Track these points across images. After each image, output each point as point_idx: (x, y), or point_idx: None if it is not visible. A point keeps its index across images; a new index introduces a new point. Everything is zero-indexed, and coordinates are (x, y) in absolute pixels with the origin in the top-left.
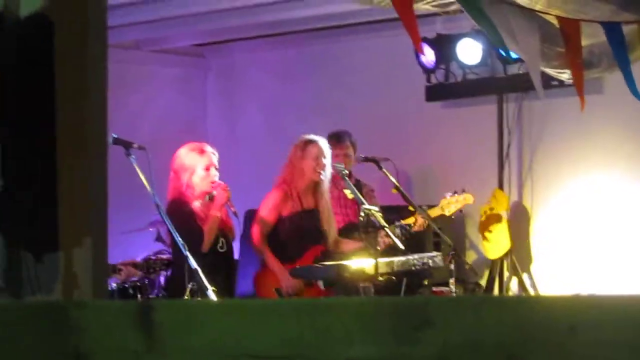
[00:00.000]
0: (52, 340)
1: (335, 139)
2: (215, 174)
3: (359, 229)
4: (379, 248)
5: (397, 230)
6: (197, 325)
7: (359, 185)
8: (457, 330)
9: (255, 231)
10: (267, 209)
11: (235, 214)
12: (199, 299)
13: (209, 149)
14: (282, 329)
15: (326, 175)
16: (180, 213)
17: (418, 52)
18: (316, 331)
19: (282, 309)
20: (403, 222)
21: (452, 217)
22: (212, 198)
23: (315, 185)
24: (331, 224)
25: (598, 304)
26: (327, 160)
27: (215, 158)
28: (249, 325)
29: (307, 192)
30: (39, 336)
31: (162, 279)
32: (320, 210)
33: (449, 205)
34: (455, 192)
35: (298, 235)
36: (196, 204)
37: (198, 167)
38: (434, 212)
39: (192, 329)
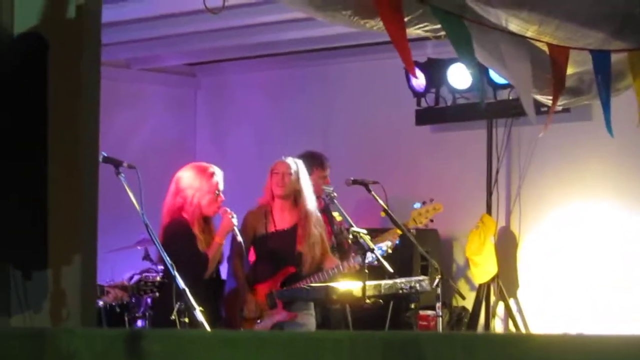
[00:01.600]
0: None
1: (319, 162)
2: (221, 198)
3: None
4: (351, 268)
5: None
6: (189, 356)
7: (328, 209)
8: None
9: (232, 252)
10: (241, 229)
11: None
12: (186, 320)
13: (216, 170)
14: None
15: (294, 193)
16: (181, 234)
17: (411, 74)
18: None
19: (274, 342)
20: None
21: (426, 226)
22: (208, 220)
23: (294, 205)
24: (308, 244)
25: (589, 344)
26: (301, 180)
27: (221, 181)
28: (240, 357)
29: (284, 211)
30: None
31: (149, 299)
32: (298, 230)
33: (420, 216)
34: (424, 202)
35: (268, 255)
36: (195, 227)
37: (205, 190)
38: (407, 225)
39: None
